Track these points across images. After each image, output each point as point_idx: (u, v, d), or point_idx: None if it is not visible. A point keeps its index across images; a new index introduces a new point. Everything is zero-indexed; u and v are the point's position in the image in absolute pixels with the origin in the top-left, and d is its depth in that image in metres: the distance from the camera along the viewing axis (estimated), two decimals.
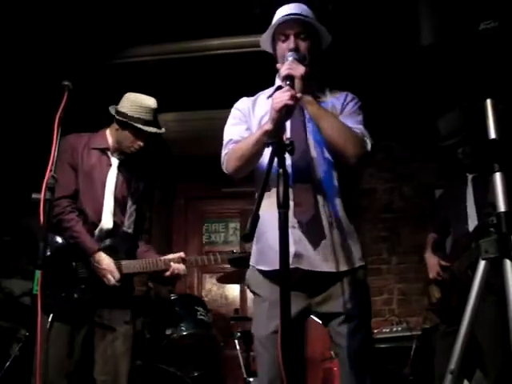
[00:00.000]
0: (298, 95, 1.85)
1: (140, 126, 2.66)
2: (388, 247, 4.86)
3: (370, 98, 2.18)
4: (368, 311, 1.99)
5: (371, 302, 2.03)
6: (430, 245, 3.32)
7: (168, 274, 2.72)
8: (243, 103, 2.18)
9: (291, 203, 1.55)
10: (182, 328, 3.43)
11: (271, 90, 2.14)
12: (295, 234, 1.88)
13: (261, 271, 1.99)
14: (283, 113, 1.77)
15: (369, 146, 1.97)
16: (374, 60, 3.98)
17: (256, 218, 1.44)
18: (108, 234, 2.66)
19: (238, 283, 4.61)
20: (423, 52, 1.60)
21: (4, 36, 3.60)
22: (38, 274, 1.99)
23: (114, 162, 2.77)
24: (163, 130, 2.82)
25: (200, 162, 4.78)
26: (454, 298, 2.94)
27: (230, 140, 2.08)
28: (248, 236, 1.43)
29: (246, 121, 2.12)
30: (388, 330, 3.86)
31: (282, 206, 1.49)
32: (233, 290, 5.15)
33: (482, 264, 1.47)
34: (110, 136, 2.78)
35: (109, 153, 2.77)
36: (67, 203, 2.60)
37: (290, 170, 1.77)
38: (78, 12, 3.53)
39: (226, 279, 4.25)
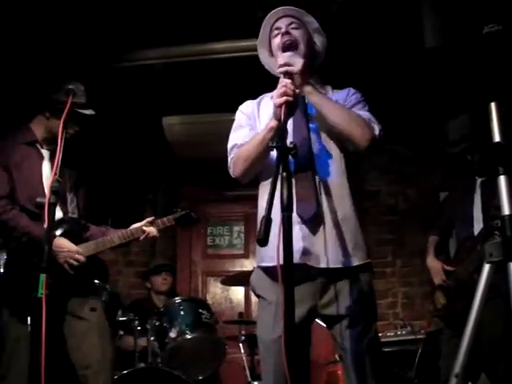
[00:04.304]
0: (297, 91, 1.83)
1: (76, 109, 2.54)
2: (392, 250, 4.86)
3: (374, 101, 2.17)
4: (373, 314, 1.97)
5: (376, 305, 2.02)
6: (431, 248, 3.30)
7: (142, 237, 2.73)
8: (247, 106, 2.18)
9: (294, 199, 1.54)
10: (187, 331, 3.43)
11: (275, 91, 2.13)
12: (302, 230, 1.87)
13: (264, 269, 1.96)
14: (286, 108, 1.73)
15: (377, 131, 1.94)
16: (378, 62, 3.98)
17: (269, 222, 1.41)
18: (57, 225, 2.57)
19: (241, 285, 4.61)
20: (427, 55, 1.60)
21: (10, 38, 3.61)
22: (43, 277, 1.98)
23: (45, 154, 2.68)
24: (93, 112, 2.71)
25: (205, 166, 4.78)
26: (459, 304, 2.92)
27: (235, 145, 2.06)
28: (262, 241, 1.41)
29: (250, 124, 2.11)
30: (392, 334, 3.86)
31: (286, 209, 1.48)
32: (237, 293, 5.14)
33: (486, 267, 1.47)
34: (36, 128, 2.68)
35: (38, 145, 2.67)
36: (5, 202, 2.50)
37: (292, 167, 1.76)
38: (83, 15, 3.54)
39: (229, 281, 4.26)
